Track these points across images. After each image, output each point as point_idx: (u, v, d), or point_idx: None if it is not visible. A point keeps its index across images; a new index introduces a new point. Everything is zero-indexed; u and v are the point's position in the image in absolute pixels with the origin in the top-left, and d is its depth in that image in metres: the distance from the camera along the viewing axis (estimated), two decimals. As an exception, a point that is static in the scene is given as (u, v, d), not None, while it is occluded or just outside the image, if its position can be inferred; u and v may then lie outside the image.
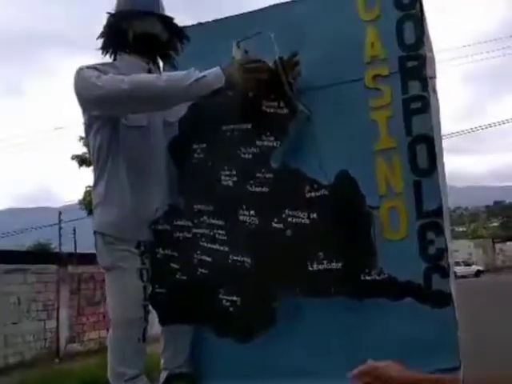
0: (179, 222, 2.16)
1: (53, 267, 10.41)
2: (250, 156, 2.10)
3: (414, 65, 2.02)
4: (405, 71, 2.03)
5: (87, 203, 16.22)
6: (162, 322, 2.16)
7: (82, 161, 16.08)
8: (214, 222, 2.11)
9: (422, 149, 1.99)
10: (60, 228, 12.76)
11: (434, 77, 2.15)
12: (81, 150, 16.75)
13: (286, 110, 2.07)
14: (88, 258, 11.47)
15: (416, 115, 2.02)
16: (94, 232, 2.15)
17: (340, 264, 1.90)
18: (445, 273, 1.91)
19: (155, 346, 2.28)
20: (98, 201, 2.16)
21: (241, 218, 2.07)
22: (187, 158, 2.21)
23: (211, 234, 2.11)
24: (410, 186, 1.99)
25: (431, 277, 1.91)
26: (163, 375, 2.19)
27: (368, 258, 1.90)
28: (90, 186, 16.89)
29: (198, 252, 2.12)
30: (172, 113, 2.21)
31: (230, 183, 2.11)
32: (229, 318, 2.05)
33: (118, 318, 2.08)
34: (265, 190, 2.06)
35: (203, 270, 2.10)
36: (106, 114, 2.09)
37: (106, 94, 1.97)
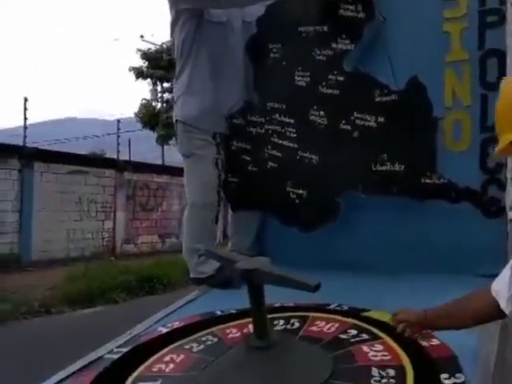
0: (253, 118, 2.33)
1: (111, 172, 10.96)
2: (324, 58, 2.19)
3: None
4: (483, -17, 2.04)
5: (143, 116, 16.64)
6: (233, 208, 2.40)
7: (139, 73, 16.32)
8: (285, 119, 2.26)
9: (493, 62, 2.03)
10: (118, 136, 13.30)
11: (512, -9, 2.14)
12: (138, 62, 16.97)
13: (362, 14, 2.13)
14: (143, 167, 12.03)
15: (491, 28, 2.04)
16: (176, 121, 2.36)
17: (403, 166, 2.03)
18: (501, 185, 2.00)
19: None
20: (181, 91, 2.34)
21: (311, 117, 2.21)
22: (263, 56, 2.33)
23: (282, 130, 2.26)
24: (477, 99, 2.05)
25: (488, 187, 2.01)
26: (230, 257, 2.45)
27: (430, 163, 2.01)
28: (145, 99, 17.25)
29: (269, 147, 2.29)
30: (250, 12, 2.33)
31: (303, 83, 2.23)
32: (295, 209, 2.24)
33: (196, 201, 2.31)
34: (336, 92, 2.17)
35: (273, 164, 2.28)
36: (192, 7, 2.23)
37: None
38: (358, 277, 2.12)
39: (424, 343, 1.46)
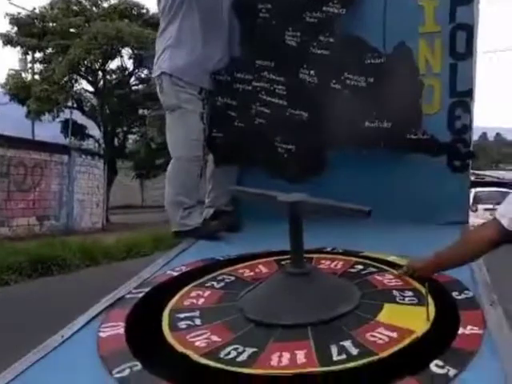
0: (240, 75, 2.32)
1: (-18, 147, 9.93)
2: (316, 20, 2.27)
3: None
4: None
5: (10, 88, 15.23)
6: (217, 162, 2.38)
7: (8, 40, 14.91)
8: (274, 77, 2.29)
9: (462, 35, 2.27)
10: (-11, 108, 12.10)
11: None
12: (5, 27, 15.50)
13: (354, -19, 2.24)
14: (19, 143, 11.05)
15: (461, 5, 2.28)
16: (161, 73, 2.27)
17: (390, 124, 2.19)
18: (466, 144, 2.28)
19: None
20: (167, 43, 2.26)
21: (301, 76, 2.27)
22: (251, 15, 2.34)
23: (271, 88, 2.29)
24: (446, 67, 2.28)
25: (456, 146, 2.26)
26: (208, 212, 2.43)
27: (415, 121, 2.20)
28: (13, 69, 15.81)
29: (257, 103, 2.31)
30: None
31: (294, 43, 2.29)
32: (283, 163, 2.29)
33: (181, 155, 2.26)
34: (327, 53, 2.26)
35: (261, 120, 2.31)
36: None
37: None
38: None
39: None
